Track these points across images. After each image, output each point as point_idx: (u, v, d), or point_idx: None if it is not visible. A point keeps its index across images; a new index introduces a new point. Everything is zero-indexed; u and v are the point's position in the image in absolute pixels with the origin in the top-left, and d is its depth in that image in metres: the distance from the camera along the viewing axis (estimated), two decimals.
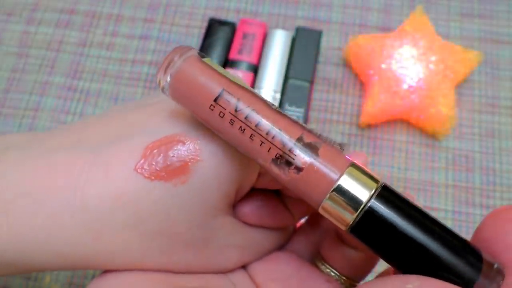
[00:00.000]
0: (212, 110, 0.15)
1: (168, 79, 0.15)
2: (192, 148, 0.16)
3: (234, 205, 0.19)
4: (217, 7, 0.40)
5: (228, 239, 0.18)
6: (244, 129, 0.15)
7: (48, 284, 0.31)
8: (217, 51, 0.36)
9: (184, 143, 0.16)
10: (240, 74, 0.35)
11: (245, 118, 0.15)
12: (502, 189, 0.34)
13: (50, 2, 0.40)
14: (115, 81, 0.37)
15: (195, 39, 0.39)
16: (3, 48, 0.39)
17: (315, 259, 0.20)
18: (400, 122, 0.36)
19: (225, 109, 0.15)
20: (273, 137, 0.14)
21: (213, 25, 0.37)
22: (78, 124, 0.19)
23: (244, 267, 0.20)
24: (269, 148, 0.14)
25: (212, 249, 0.18)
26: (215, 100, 0.15)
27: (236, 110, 0.15)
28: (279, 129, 0.14)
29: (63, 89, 0.37)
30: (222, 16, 0.40)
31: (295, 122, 0.15)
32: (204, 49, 0.36)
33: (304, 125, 0.15)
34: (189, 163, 0.16)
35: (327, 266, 0.19)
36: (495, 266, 0.14)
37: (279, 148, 0.14)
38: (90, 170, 0.16)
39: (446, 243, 0.14)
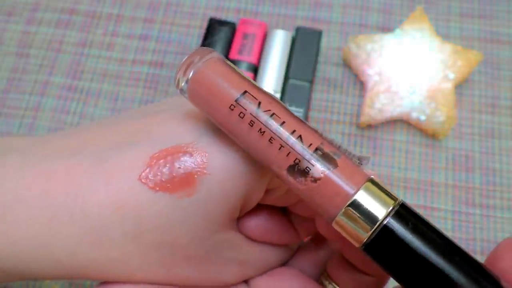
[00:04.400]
0: (233, 110, 0.15)
1: (189, 79, 0.15)
2: (199, 160, 0.15)
3: (238, 219, 0.18)
4: (217, 7, 0.40)
5: (230, 254, 0.18)
6: (264, 132, 0.14)
7: (48, 284, 0.31)
8: (217, 51, 0.36)
9: (191, 155, 0.16)
10: None
11: (266, 121, 0.14)
12: (502, 189, 0.34)
13: (50, 2, 0.40)
14: (115, 81, 0.37)
15: (195, 39, 0.39)
16: (3, 48, 0.39)
17: (321, 276, 0.20)
18: (400, 122, 0.36)
19: (246, 110, 0.14)
20: (292, 143, 0.14)
21: (213, 25, 0.37)
22: (79, 129, 0.19)
23: (246, 281, 0.19)
24: (288, 153, 0.14)
25: (213, 263, 0.17)
26: (236, 101, 0.15)
27: (257, 112, 0.14)
28: (299, 135, 0.14)
29: (63, 89, 0.37)
30: (222, 16, 0.40)
31: (315, 131, 0.15)
32: None
33: (324, 134, 0.15)
34: (196, 176, 0.15)
35: (334, 285, 0.19)
36: None
37: (299, 153, 0.14)
38: (91, 177, 0.15)
39: (463, 267, 0.13)
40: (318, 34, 0.36)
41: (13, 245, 0.15)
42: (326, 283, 0.19)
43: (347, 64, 0.38)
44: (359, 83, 0.37)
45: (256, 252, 0.18)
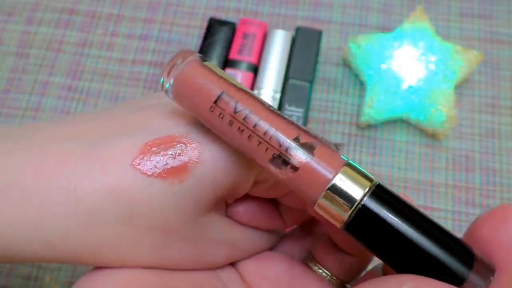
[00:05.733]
0: (212, 111, 0.15)
1: (172, 81, 0.16)
2: (192, 149, 0.16)
3: (228, 206, 0.19)
4: (217, 7, 0.40)
5: (219, 235, 0.18)
6: (242, 130, 0.15)
7: (48, 283, 0.31)
8: (217, 51, 0.36)
9: (185, 144, 0.16)
10: (240, 74, 0.35)
11: (244, 119, 0.15)
12: (502, 189, 0.34)
13: (50, 2, 0.40)
14: (115, 81, 0.37)
15: (195, 39, 0.39)
16: (3, 48, 0.39)
17: (306, 259, 0.20)
18: (400, 122, 0.36)
19: (225, 111, 0.15)
20: (270, 137, 0.15)
21: (213, 25, 0.37)
22: (74, 117, 0.19)
23: (233, 264, 0.20)
24: (266, 148, 0.15)
25: (203, 244, 0.18)
26: (215, 102, 0.15)
27: (235, 112, 0.15)
28: (276, 129, 0.15)
29: (63, 89, 0.37)
30: (222, 16, 0.40)
31: (292, 123, 0.15)
32: (204, 49, 0.36)
33: (300, 126, 0.16)
34: (188, 164, 0.16)
35: (319, 266, 0.20)
36: (487, 263, 0.14)
37: (276, 148, 0.15)
38: (86, 162, 0.16)
39: (438, 241, 0.14)
40: (318, 34, 0.36)
41: (4, 226, 0.16)
42: (311, 264, 0.20)
43: (347, 64, 0.38)
44: (359, 83, 0.37)
45: (243, 236, 0.19)
